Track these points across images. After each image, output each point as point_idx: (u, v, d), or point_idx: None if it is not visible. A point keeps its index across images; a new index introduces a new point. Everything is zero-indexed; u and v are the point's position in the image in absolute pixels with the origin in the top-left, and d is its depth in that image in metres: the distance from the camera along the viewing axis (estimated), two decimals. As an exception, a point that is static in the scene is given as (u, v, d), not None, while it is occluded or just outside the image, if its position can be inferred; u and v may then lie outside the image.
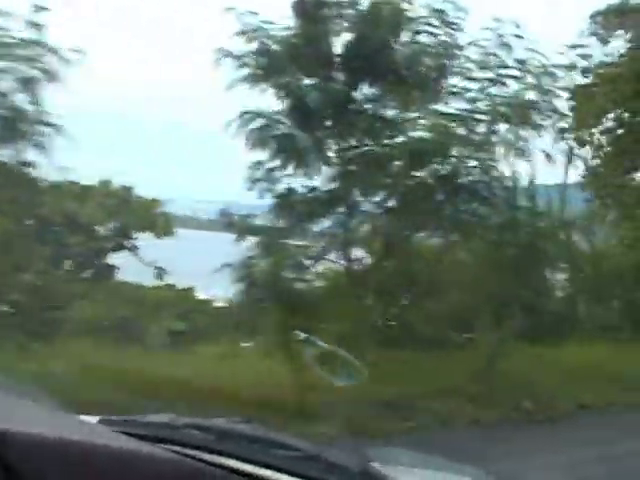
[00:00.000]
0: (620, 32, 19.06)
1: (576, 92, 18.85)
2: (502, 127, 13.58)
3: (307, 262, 13.15)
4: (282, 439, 1.89)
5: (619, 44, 19.08)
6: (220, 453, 1.90)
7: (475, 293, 13.76)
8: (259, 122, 12.68)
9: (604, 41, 19.12)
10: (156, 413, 2.00)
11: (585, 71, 19.09)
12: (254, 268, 12.45)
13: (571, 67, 13.42)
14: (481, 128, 13.39)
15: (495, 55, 13.41)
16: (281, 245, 12.92)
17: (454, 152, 13.10)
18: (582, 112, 19.12)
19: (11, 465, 1.59)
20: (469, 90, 13.46)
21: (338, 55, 13.02)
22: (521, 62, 13.58)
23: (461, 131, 13.16)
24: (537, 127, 13.87)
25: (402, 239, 13.44)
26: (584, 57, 18.82)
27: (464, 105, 13.37)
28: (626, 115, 19.53)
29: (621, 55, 19.00)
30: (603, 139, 19.96)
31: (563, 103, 14.30)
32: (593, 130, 19.78)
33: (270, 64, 12.68)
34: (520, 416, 11.64)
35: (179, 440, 1.91)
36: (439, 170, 13.08)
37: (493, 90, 13.49)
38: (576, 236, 17.26)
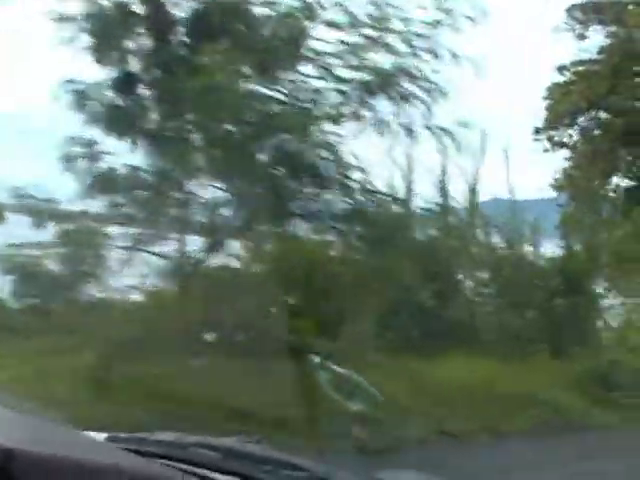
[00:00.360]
0: (598, 27, 18.50)
1: (551, 90, 18.56)
2: (366, 98, 12.07)
3: (118, 253, 11.61)
4: (290, 460, 1.93)
5: (598, 39, 18.57)
6: (227, 472, 1.92)
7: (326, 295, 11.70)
8: (81, 92, 11.39)
9: (581, 37, 18.59)
10: (163, 431, 2.00)
11: (561, 68, 18.52)
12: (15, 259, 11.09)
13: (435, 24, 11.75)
14: (335, 98, 11.97)
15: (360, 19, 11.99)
16: (87, 233, 11.60)
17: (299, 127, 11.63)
18: (557, 111, 18.73)
19: None
20: (329, 54, 11.96)
21: (184, 19, 11.88)
22: (386, 28, 12.09)
23: (307, 102, 11.81)
24: (405, 98, 12.09)
25: (233, 232, 11.83)
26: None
27: (319, 71, 12.01)
28: (603, 114, 19.00)
29: (599, 51, 18.39)
30: (577, 139, 19.45)
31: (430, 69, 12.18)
32: (569, 131, 19.38)
33: (103, 28, 11.33)
34: (345, 446, 9.03)
35: (186, 458, 1.92)
36: (280, 146, 11.54)
37: (357, 55, 12.02)
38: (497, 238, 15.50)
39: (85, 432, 1.97)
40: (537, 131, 19.24)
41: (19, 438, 1.72)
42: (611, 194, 19.37)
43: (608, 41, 18.34)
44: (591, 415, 11.77)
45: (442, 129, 12.23)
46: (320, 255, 12.51)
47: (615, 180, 19.58)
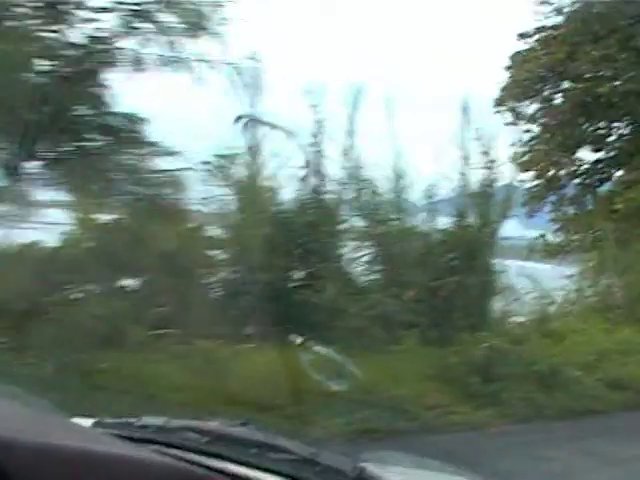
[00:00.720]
0: None
1: (513, 59, 17.82)
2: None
3: None
4: (278, 442, 1.94)
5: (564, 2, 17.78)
6: (215, 456, 1.93)
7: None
8: None
9: (545, 2, 17.72)
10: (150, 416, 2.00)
11: (523, 35, 17.82)
12: None
13: None
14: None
15: None
16: None
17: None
18: (516, 80, 17.88)
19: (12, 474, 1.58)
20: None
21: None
22: None
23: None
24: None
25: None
26: None
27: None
28: (565, 83, 18.20)
29: (566, 18, 17.70)
30: (537, 110, 18.53)
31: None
32: (527, 101, 18.39)
33: None
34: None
35: (173, 443, 1.93)
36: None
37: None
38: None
39: (72, 418, 1.98)
40: (498, 103, 18.13)
41: (5, 426, 1.72)
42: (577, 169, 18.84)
43: (571, 5, 17.76)
44: (449, 413, 9.86)
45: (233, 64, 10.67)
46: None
47: (582, 154, 18.91)
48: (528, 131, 18.59)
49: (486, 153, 12.82)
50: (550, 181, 18.59)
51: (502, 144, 17.30)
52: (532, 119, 18.53)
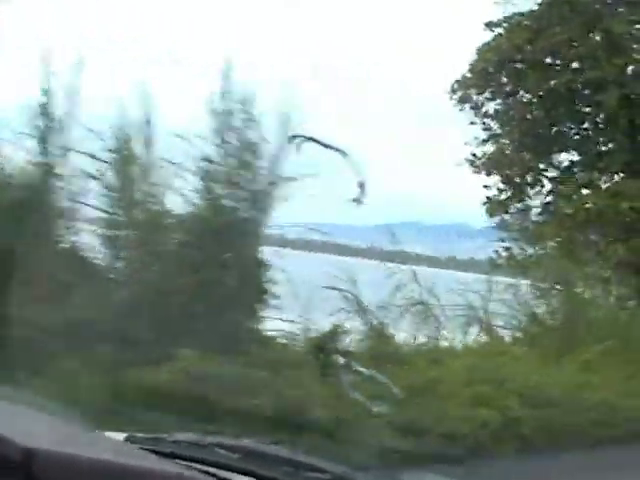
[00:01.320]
0: None
1: (479, 50, 16.60)
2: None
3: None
4: (310, 461, 1.93)
5: None
6: (246, 473, 1.91)
7: None
8: None
9: None
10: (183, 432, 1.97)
11: (489, 25, 16.52)
12: None
13: None
14: None
15: None
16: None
17: None
18: (474, 71, 16.59)
19: None
20: None
21: None
22: None
23: None
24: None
25: None
26: None
27: None
28: (526, 70, 16.29)
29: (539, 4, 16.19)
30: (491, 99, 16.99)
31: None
32: (486, 95, 16.81)
33: None
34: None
35: (205, 459, 1.91)
36: None
37: None
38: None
39: (104, 432, 1.94)
40: (453, 90, 16.77)
41: (40, 438, 1.70)
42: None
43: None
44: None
45: None
46: None
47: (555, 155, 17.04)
48: (489, 129, 16.99)
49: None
50: (515, 186, 16.73)
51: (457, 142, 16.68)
52: (492, 115, 16.96)
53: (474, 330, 11.69)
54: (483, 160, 16.56)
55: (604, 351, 10.60)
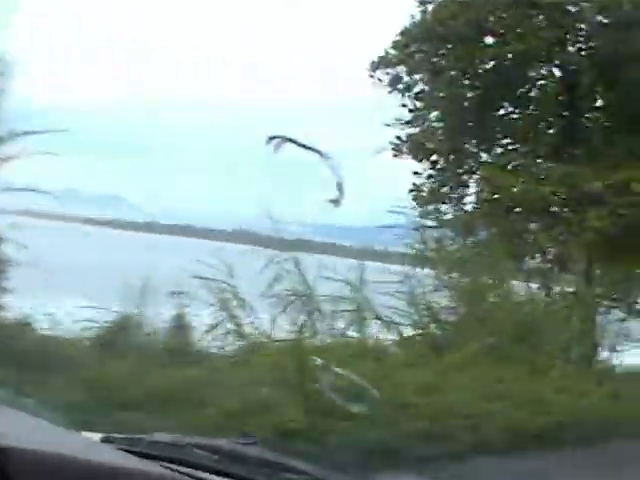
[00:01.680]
0: None
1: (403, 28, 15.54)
2: None
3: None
4: (287, 462, 1.92)
5: None
6: (224, 474, 1.89)
7: None
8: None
9: None
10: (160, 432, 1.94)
11: (423, 2, 15.48)
12: None
13: None
14: None
15: None
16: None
17: None
18: (399, 44, 15.52)
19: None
20: None
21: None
22: None
23: None
24: None
25: None
26: None
27: None
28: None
29: None
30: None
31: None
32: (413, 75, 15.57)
33: None
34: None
35: (182, 460, 1.88)
36: None
37: None
38: None
39: (80, 432, 1.90)
40: (375, 67, 15.65)
41: (15, 436, 1.66)
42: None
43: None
44: None
45: None
46: None
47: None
48: (415, 110, 15.78)
49: None
50: (444, 171, 15.72)
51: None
52: (415, 93, 15.74)
53: (365, 325, 10.84)
54: (407, 144, 15.54)
55: (483, 349, 9.89)
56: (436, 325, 11.46)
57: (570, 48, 15.16)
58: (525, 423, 8.42)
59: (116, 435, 1.91)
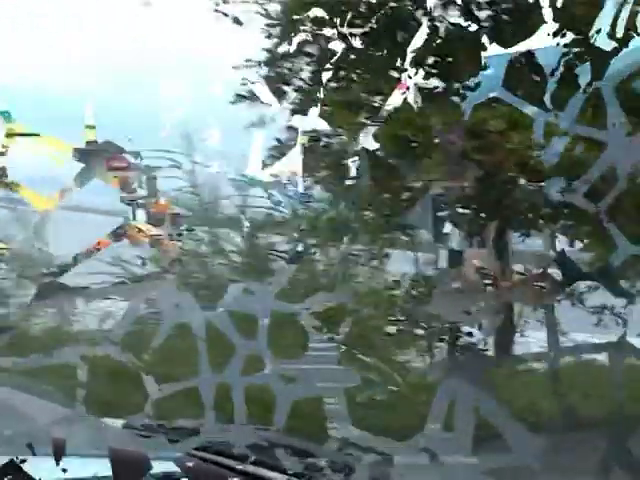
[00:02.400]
0: None
1: None
2: None
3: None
4: (309, 447, 1.93)
5: None
6: (243, 459, 1.91)
7: None
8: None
9: None
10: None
11: None
12: None
13: None
14: None
15: None
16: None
17: None
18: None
19: None
20: None
21: None
22: None
23: None
24: None
25: None
26: None
27: None
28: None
29: None
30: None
31: None
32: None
33: None
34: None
35: (204, 446, 1.90)
36: None
37: None
38: None
39: (103, 419, 1.93)
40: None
41: (40, 424, 1.69)
42: None
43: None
44: None
45: None
46: None
47: None
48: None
49: None
50: None
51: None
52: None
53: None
54: None
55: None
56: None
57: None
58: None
59: (138, 422, 1.94)
